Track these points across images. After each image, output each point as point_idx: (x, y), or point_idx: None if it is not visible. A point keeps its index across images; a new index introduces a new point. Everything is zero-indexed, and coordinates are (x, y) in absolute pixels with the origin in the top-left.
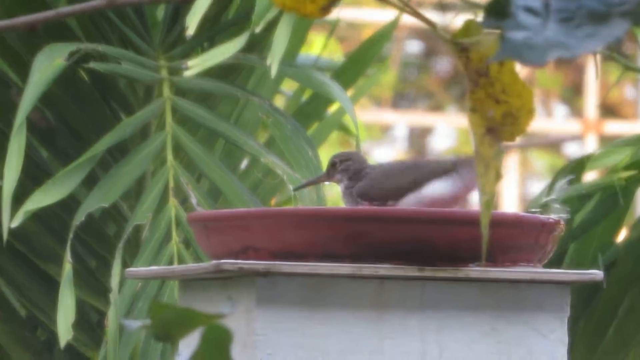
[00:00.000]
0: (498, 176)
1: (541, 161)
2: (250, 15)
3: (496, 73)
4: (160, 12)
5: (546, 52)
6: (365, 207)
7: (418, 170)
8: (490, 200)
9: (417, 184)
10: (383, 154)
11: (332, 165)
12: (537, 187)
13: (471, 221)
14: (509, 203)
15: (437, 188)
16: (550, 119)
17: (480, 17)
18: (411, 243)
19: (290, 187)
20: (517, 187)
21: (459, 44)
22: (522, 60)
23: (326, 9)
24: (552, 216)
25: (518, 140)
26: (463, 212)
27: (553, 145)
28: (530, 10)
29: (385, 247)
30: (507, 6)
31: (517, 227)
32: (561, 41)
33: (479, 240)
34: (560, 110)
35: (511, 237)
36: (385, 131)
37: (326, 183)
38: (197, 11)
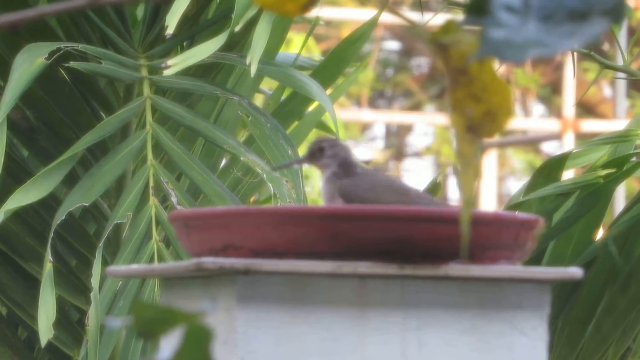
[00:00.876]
0: (477, 174)
1: (519, 159)
2: (230, 14)
3: (476, 71)
4: (141, 11)
5: (525, 50)
6: (345, 205)
7: (405, 197)
8: (470, 198)
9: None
10: (362, 152)
11: (320, 149)
12: (515, 185)
13: (451, 219)
14: (487, 201)
15: None
16: (528, 118)
17: (459, 15)
18: (391, 241)
19: (269, 167)
20: (495, 185)
21: (439, 42)
22: (501, 58)
23: (306, 8)
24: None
25: (496, 138)
26: (443, 209)
27: (531, 143)
28: (510, 8)
29: (365, 245)
30: (487, 4)
31: (497, 225)
32: (540, 39)
33: (459, 238)
34: (538, 109)
35: (491, 235)
36: (364, 130)
37: (305, 166)
38: (177, 10)
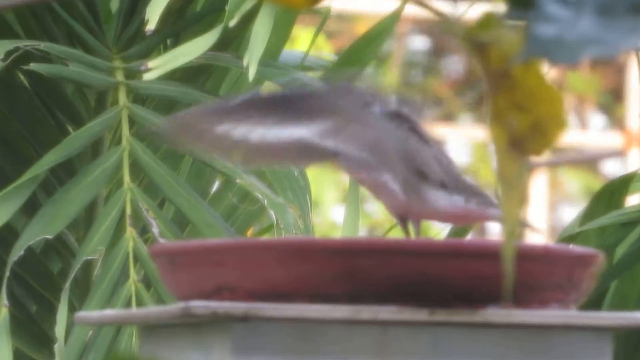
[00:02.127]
0: (523, 200)
1: (575, 182)
2: (224, 6)
3: (520, 76)
4: (116, 2)
5: (579, 50)
6: (363, 238)
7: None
8: (514, 229)
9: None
10: None
11: None
12: (569, 213)
13: (491, 254)
14: (536, 234)
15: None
16: (585, 131)
17: (500, 7)
18: (420, 280)
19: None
20: (545, 213)
21: (476, 40)
22: (551, 59)
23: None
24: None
25: (546, 156)
26: (482, 243)
27: (589, 162)
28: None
29: (388, 285)
30: None
31: (547, 261)
32: (598, 36)
33: (500, 276)
34: (597, 120)
35: (539, 273)
36: None
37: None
38: (160, 1)
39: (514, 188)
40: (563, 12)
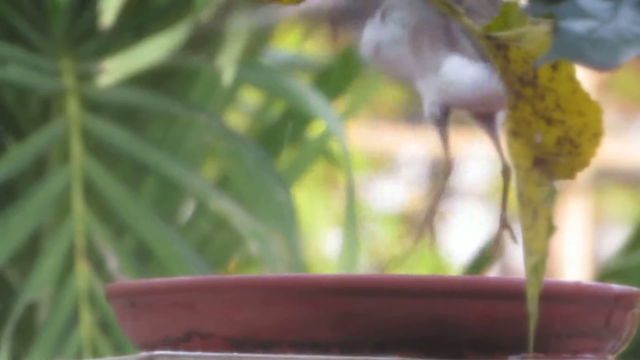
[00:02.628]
0: (551, 228)
1: (619, 205)
2: None
3: (548, 81)
4: None
5: (618, 50)
6: (361, 274)
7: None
8: (540, 263)
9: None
10: (388, 190)
11: None
12: (610, 243)
13: (514, 293)
14: (572, 266)
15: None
16: (632, 144)
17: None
18: (428, 325)
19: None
20: (582, 243)
21: (495, 38)
22: (584, 61)
23: None
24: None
25: (583, 175)
26: (502, 280)
27: (635, 182)
28: None
29: (390, 331)
30: None
31: (581, 302)
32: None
33: (525, 320)
34: None
35: (572, 317)
36: (389, 160)
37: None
38: None
39: (540, 215)
40: (598, 5)
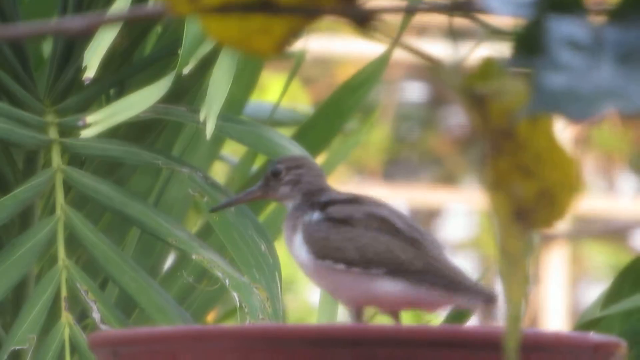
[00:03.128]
0: (528, 279)
1: (599, 256)
2: (176, 50)
3: (526, 134)
4: (49, 46)
5: (595, 103)
6: (343, 324)
7: (411, 254)
8: (518, 312)
9: (382, 261)
10: None
11: (274, 173)
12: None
13: (493, 343)
14: (554, 316)
15: (394, 285)
16: (612, 196)
17: (503, 53)
18: None
19: (209, 211)
20: (565, 292)
21: (474, 91)
22: (562, 114)
23: (285, 43)
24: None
25: (565, 227)
26: (482, 330)
27: (616, 233)
28: (574, 44)
29: None
30: (542, 38)
31: (560, 352)
32: (617, 88)
33: None
34: (627, 183)
35: None
36: None
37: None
38: (100, 45)
39: (518, 266)
40: (576, 60)
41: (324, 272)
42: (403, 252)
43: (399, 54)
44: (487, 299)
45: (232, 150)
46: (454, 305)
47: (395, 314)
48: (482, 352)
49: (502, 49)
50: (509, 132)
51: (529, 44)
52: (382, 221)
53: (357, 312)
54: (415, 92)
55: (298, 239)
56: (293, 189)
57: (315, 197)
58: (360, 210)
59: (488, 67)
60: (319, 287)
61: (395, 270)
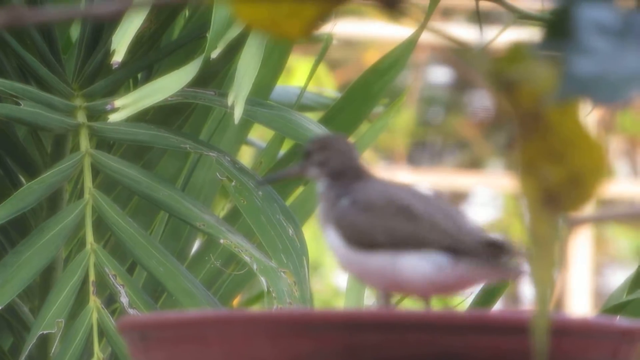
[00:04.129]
0: (557, 264)
1: (624, 240)
2: (205, 34)
3: (555, 119)
4: (76, 31)
5: (624, 88)
6: (370, 309)
7: (414, 225)
8: (546, 298)
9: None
10: None
11: (305, 154)
12: (617, 278)
13: (521, 328)
14: (579, 301)
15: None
16: (637, 180)
17: (532, 38)
18: (435, 359)
19: (255, 183)
20: (589, 278)
21: (503, 76)
22: (591, 98)
23: (313, 26)
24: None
25: (590, 211)
26: (510, 315)
27: None
28: (602, 29)
29: None
30: (570, 23)
31: (587, 337)
32: None
33: (531, 354)
34: None
35: (578, 351)
36: None
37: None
38: (128, 29)
39: (547, 250)
40: (605, 44)
41: (353, 256)
42: (429, 233)
43: (424, 37)
44: (514, 274)
45: (259, 135)
46: (481, 282)
47: (426, 300)
48: (510, 336)
49: (530, 34)
50: (537, 116)
51: (558, 28)
52: (403, 206)
53: (386, 297)
54: (440, 75)
55: (328, 224)
56: (321, 170)
57: (346, 179)
58: (385, 194)
59: (517, 51)
60: (349, 272)
61: (421, 251)
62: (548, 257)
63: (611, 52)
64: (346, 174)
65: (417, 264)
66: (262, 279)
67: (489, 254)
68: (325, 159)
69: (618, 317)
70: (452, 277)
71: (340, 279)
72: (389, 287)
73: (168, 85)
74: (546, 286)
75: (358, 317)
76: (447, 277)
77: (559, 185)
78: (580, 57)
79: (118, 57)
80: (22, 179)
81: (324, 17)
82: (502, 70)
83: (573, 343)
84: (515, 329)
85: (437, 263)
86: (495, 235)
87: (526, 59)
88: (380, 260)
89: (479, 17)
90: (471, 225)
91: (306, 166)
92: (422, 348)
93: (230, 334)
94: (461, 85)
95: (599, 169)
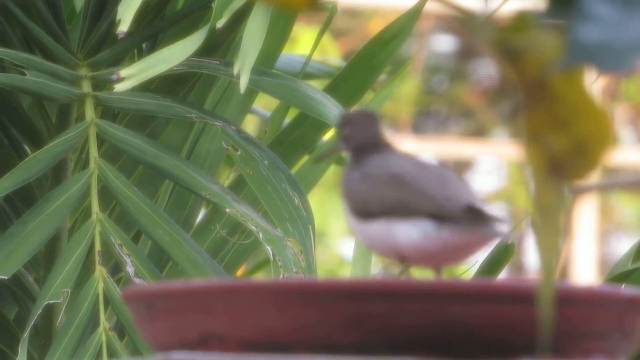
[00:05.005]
0: (563, 232)
1: (629, 208)
2: (210, 3)
3: (560, 87)
4: (81, 0)
5: (630, 55)
6: (376, 278)
7: (404, 193)
8: (551, 266)
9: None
10: None
11: (337, 130)
12: (622, 246)
13: (526, 296)
14: (584, 270)
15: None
16: None
17: (537, 6)
18: (441, 328)
19: (316, 156)
20: (594, 246)
21: (508, 45)
22: (596, 66)
23: None
24: None
25: (594, 179)
26: (515, 283)
27: None
28: None
29: (403, 334)
30: None
31: (593, 305)
32: None
33: (536, 322)
34: None
35: (584, 320)
36: None
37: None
38: None
39: (552, 219)
40: (609, 12)
41: (358, 226)
42: (415, 200)
43: (429, 6)
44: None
45: (264, 104)
46: (471, 249)
47: (436, 269)
48: (514, 305)
49: (535, 2)
50: (543, 85)
51: None
52: (393, 175)
53: (400, 263)
54: (445, 44)
55: (342, 196)
56: (346, 145)
57: (366, 152)
58: (385, 164)
59: (522, 20)
60: (359, 240)
61: (410, 218)
62: (553, 226)
63: (616, 19)
64: (366, 148)
65: (407, 231)
66: (268, 248)
67: (471, 219)
68: (349, 134)
69: (623, 285)
70: (438, 243)
71: (345, 248)
72: (391, 255)
73: (174, 55)
74: (551, 255)
75: (363, 286)
76: (433, 243)
77: (564, 154)
78: (585, 25)
79: (124, 27)
80: (27, 149)
81: None
82: (506, 39)
83: (578, 312)
84: (521, 297)
85: (423, 229)
86: (481, 202)
87: (531, 28)
88: (378, 229)
89: None
90: (464, 193)
91: (338, 141)
92: (428, 317)
93: (235, 303)
94: (466, 53)
95: (605, 137)
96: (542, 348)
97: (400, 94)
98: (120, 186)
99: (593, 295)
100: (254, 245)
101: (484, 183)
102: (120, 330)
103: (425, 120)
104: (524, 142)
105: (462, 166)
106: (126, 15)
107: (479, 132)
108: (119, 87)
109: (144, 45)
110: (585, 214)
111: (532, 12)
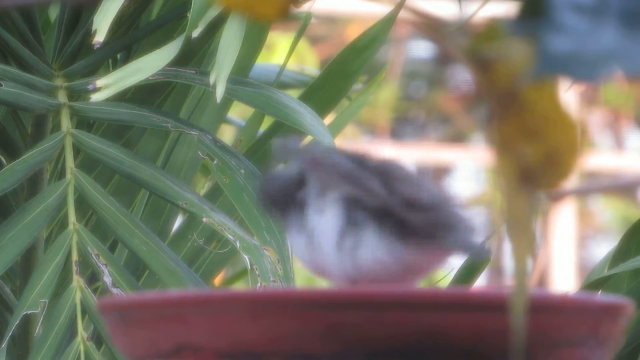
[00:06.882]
0: (536, 241)
1: (608, 212)
2: (185, 13)
3: (532, 96)
4: (56, 10)
5: (600, 65)
6: (352, 288)
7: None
8: (525, 275)
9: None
10: None
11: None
12: (600, 251)
13: (501, 305)
14: (564, 274)
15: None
16: (620, 153)
17: (507, 15)
18: (415, 338)
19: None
20: (574, 249)
21: (479, 54)
22: (567, 76)
23: (289, 7)
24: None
25: (572, 183)
26: (490, 292)
27: (624, 189)
28: (578, 7)
29: (378, 343)
30: (544, 1)
31: (567, 313)
32: (621, 50)
33: (512, 331)
34: (635, 140)
35: (559, 327)
36: None
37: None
38: (109, 9)
39: (525, 227)
40: (580, 22)
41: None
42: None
43: (405, 12)
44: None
45: (238, 113)
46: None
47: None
48: (489, 314)
49: (506, 11)
50: (513, 94)
51: (533, 6)
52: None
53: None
54: (422, 50)
55: None
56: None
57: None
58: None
59: (492, 29)
60: None
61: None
62: (526, 235)
63: (586, 29)
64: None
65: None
66: (246, 257)
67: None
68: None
69: (599, 292)
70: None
71: None
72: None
73: (150, 64)
74: (524, 263)
75: (340, 296)
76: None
77: (536, 163)
78: (555, 35)
79: (100, 37)
80: (3, 160)
81: None
82: (477, 48)
83: (552, 320)
84: (496, 306)
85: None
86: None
87: (501, 37)
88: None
89: None
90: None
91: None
92: (404, 326)
93: (210, 313)
94: (444, 59)
95: (576, 147)
96: (515, 357)
97: (378, 100)
98: (97, 196)
99: (567, 303)
100: (231, 253)
101: (462, 188)
102: (98, 339)
103: (403, 126)
104: (495, 151)
105: (440, 172)
106: (102, 26)
107: (457, 137)
108: (96, 97)
109: (119, 55)
110: (564, 219)
111: (502, 21)
